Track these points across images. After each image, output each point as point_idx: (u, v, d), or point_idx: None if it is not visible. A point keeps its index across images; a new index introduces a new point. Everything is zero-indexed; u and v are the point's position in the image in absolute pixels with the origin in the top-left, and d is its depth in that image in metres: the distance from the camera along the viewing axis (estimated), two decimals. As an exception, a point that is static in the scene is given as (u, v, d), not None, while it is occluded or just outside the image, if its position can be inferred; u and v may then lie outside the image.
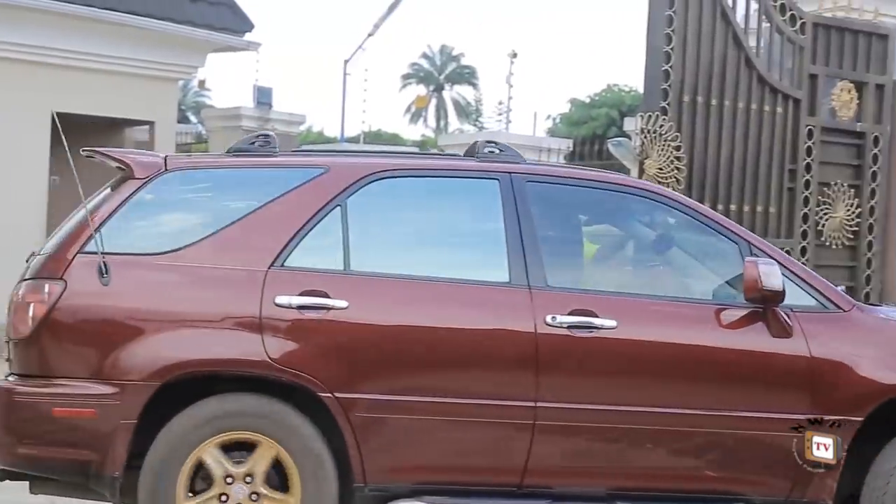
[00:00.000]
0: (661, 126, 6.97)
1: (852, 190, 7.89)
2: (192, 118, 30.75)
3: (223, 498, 4.42)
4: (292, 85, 61.45)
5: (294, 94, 68.47)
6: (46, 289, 4.45)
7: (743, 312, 4.74)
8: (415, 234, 4.89)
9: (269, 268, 4.53)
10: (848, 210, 7.86)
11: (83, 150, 4.90)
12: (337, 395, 4.46)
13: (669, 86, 7.02)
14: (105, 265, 4.44)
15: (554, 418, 4.58)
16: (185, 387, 4.43)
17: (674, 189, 7.03)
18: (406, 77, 57.26)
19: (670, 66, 7.01)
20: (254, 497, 4.42)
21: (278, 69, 63.29)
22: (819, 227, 7.76)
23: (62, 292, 4.43)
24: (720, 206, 7.23)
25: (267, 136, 4.90)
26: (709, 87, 7.21)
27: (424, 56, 57.44)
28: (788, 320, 4.73)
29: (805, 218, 7.69)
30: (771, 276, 4.61)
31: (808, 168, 7.63)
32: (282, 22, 69.37)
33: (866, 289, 7.92)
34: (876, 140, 7.96)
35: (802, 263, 7.54)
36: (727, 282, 4.90)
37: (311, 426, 4.46)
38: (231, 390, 4.47)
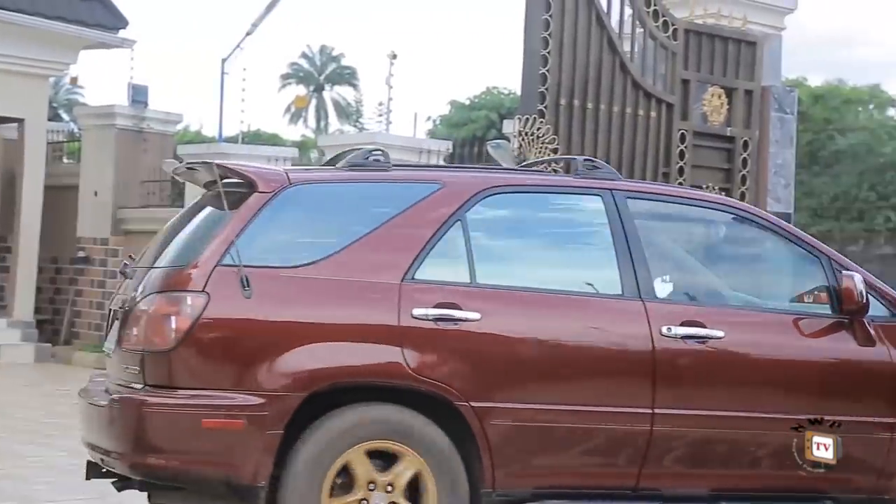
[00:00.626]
0: (539, 129, 7.04)
1: (723, 193, 8.07)
2: (65, 116, 29.98)
3: (363, 502, 4.52)
4: (169, 83, 60.40)
5: (170, 93, 67.32)
6: (189, 301, 4.48)
7: (831, 322, 5.07)
8: (529, 248, 5.05)
9: (402, 281, 4.64)
10: (721, 213, 8.03)
11: (207, 162, 4.98)
12: (472, 404, 4.60)
13: (546, 89, 7.10)
14: (246, 278, 4.49)
15: (669, 424, 4.81)
16: (321, 398, 4.50)
17: None
18: (285, 77, 56.77)
19: (547, 70, 7.09)
20: None
21: (154, 67, 62.14)
22: None
23: (206, 305, 4.46)
24: None
25: (380, 151, 5.01)
26: (585, 91, 7.31)
27: (304, 56, 57.03)
28: (872, 330, 5.07)
29: None
30: (863, 288, 4.99)
31: (680, 171, 7.79)
32: (158, 19, 68.14)
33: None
34: (745, 144, 8.17)
35: None
36: (811, 292, 5.18)
37: (445, 436, 4.59)
38: (360, 400, 4.56)
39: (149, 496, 4.92)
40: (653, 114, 7.63)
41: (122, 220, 15.72)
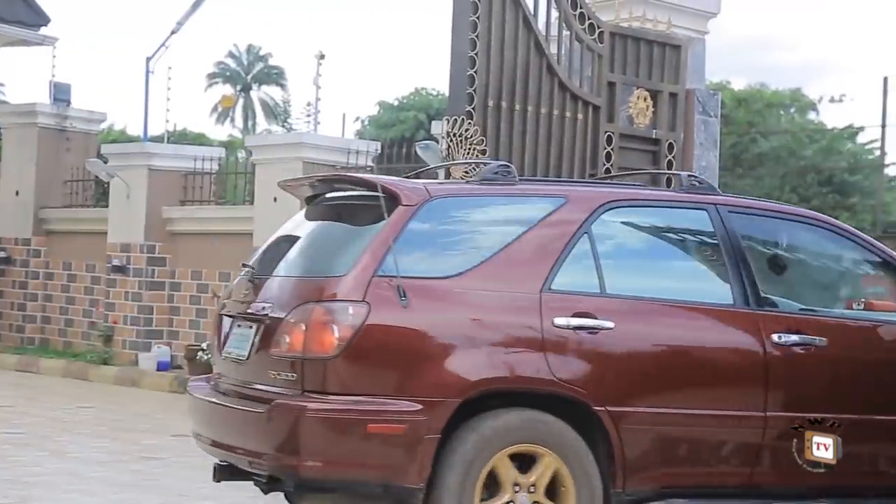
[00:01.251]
0: (467, 130, 7.05)
1: (649, 194, 8.12)
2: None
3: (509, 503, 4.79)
4: (93, 82, 59.48)
5: (94, 92, 66.32)
6: (351, 311, 4.69)
7: None
8: (647, 259, 5.39)
9: (541, 291, 4.92)
10: (645, 214, 8.09)
11: (347, 176, 5.40)
12: (609, 408, 4.89)
13: (474, 90, 7.11)
14: (402, 288, 4.71)
15: (780, 426, 5.16)
16: (470, 403, 4.74)
17: None
18: (212, 76, 56.23)
19: (475, 72, 7.10)
20: None
21: (78, 65, 61.16)
22: None
23: (367, 314, 4.67)
24: None
25: (508, 166, 5.29)
26: (513, 93, 7.34)
27: (231, 55, 56.54)
28: None
29: None
30: None
31: (607, 173, 7.84)
32: (82, 17, 67.10)
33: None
34: (670, 147, 8.26)
35: None
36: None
37: (581, 439, 4.85)
38: (503, 405, 4.81)
39: (287, 497, 5.25)
40: (579, 116, 7.69)
41: (44, 220, 15.45)
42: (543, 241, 5.03)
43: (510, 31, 7.30)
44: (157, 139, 16.31)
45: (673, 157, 8.27)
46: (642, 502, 5.00)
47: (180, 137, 22.37)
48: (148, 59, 16.32)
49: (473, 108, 7.10)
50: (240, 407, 5.00)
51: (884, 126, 25.46)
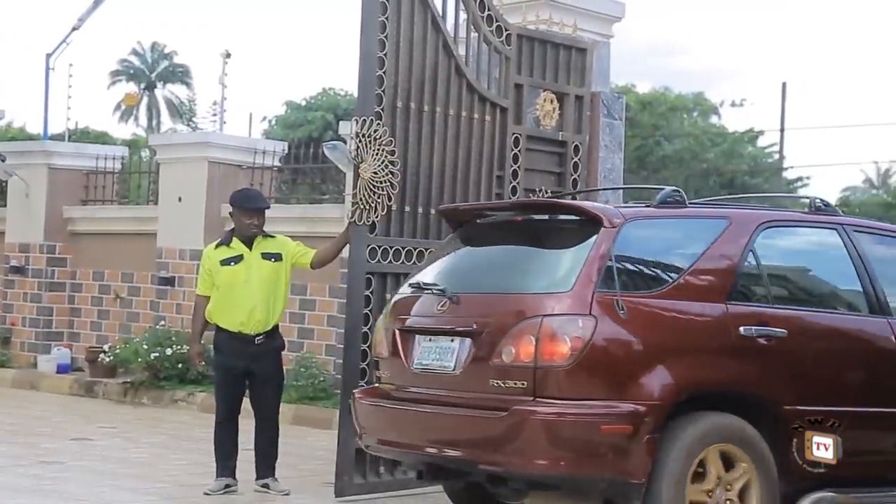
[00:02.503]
0: (376, 131, 7.02)
1: (556, 196, 8.18)
2: None
3: (710, 494, 5.37)
4: (-10, 78, 57.98)
5: (-8, 88, 64.68)
6: (581, 324, 5.21)
7: None
8: (797, 272, 6.13)
9: (726, 303, 5.55)
10: (553, 215, 8.14)
11: (550, 201, 6.22)
12: (789, 408, 5.52)
13: (383, 91, 7.08)
14: (621, 302, 5.27)
15: None
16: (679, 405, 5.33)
17: (388, 194, 7.09)
18: (115, 74, 55.21)
19: (384, 72, 7.07)
20: (728, 502, 5.41)
21: (-25, 61, 59.51)
22: None
23: (595, 327, 5.20)
24: (432, 211, 7.35)
25: (678, 191, 5.88)
26: (421, 94, 7.33)
27: (135, 53, 55.59)
28: None
29: None
30: None
31: (514, 175, 7.88)
32: (-21, 11, 65.44)
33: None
34: (576, 149, 8.32)
35: None
36: None
37: (764, 441, 5.44)
38: (700, 408, 5.38)
39: (496, 495, 5.87)
40: (487, 117, 7.70)
41: (-62, 219, 15.01)
42: (720, 259, 5.67)
43: (419, 32, 7.29)
44: (58, 137, 15.96)
45: (579, 159, 8.34)
46: (809, 493, 5.52)
47: (82, 136, 21.91)
48: (48, 56, 15.97)
49: (382, 109, 7.08)
50: (469, 414, 5.45)
51: (783, 130, 26.07)
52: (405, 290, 6.24)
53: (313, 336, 10.99)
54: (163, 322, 12.12)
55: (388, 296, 7.00)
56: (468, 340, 5.56)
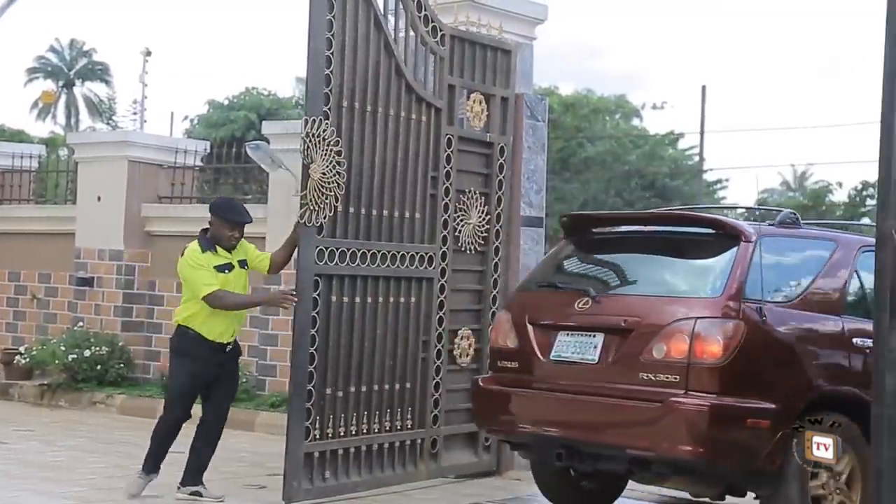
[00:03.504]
0: (325, 130, 6.90)
1: (483, 197, 8.21)
2: None
3: (824, 486, 6.04)
4: None
5: None
6: (732, 326, 5.84)
7: None
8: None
9: (840, 316, 6.31)
10: (479, 216, 8.18)
11: (681, 212, 6.84)
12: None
13: (331, 90, 6.97)
14: (763, 310, 5.94)
15: None
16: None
17: (336, 194, 7.01)
18: (32, 71, 54.21)
19: (331, 71, 6.95)
20: (836, 491, 6.08)
21: None
22: (456, 234, 7.99)
23: (744, 330, 5.84)
24: (374, 212, 7.27)
25: (795, 213, 6.61)
26: (364, 94, 7.22)
27: (52, 50, 54.66)
28: None
29: (445, 224, 7.90)
30: None
31: (447, 175, 7.87)
32: None
33: (493, 291, 8.29)
34: (502, 150, 8.35)
35: (443, 268, 7.85)
36: None
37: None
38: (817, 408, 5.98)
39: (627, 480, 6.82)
40: (423, 118, 7.66)
41: None
42: (834, 277, 6.42)
43: (363, 31, 7.18)
44: (-27, 134, 15.60)
45: (504, 160, 8.37)
46: None
47: (-2, 133, 21.48)
48: (-38, 51, 15.61)
49: (329, 109, 6.98)
50: (617, 402, 6.05)
51: (702, 133, 26.44)
52: (529, 287, 7.00)
53: (235, 337, 10.88)
54: (81, 323, 11.93)
55: (336, 298, 6.97)
56: (613, 336, 6.20)
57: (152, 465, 7.02)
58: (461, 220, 7.98)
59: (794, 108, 61.05)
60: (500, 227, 8.33)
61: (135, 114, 27.13)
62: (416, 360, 7.64)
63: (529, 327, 6.58)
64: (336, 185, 7.00)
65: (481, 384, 6.87)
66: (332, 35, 6.96)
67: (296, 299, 6.82)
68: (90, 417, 10.82)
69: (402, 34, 7.60)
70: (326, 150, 6.92)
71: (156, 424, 7.08)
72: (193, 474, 7.02)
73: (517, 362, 6.66)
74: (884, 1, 5.43)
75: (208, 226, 7.04)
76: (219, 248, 6.98)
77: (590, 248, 7.03)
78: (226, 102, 26.41)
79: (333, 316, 7.07)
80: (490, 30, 8.29)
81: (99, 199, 12.05)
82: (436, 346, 7.78)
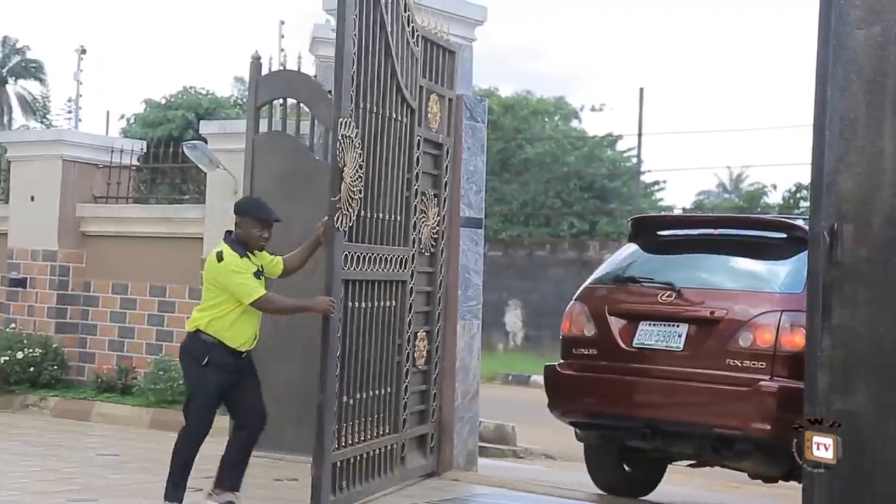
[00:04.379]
0: (353, 133, 6.78)
1: (436, 198, 8.22)
2: None
3: None
4: None
5: None
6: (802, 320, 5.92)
7: None
8: None
9: None
10: (434, 218, 8.17)
11: (757, 217, 6.87)
12: None
13: (353, 92, 6.84)
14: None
15: None
16: None
17: (359, 198, 6.81)
18: (-37, 68, 53.28)
19: (353, 72, 6.82)
20: None
21: None
22: (420, 236, 7.95)
23: None
24: (374, 215, 7.09)
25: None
26: (371, 95, 7.03)
27: (-16, 46, 53.73)
28: None
29: (414, 226, 7.86)
30: None
31: (417, 177, 7.86)
32: None
33: (439, 293, 8.29)
34: (447, 151, 8.37)
35: (412, 271, 7.80)
36: None
37: None
38: None
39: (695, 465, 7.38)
40: (405, 120, 7.62)
41: None
42: None
43: (373, 32, 7.06)
44: None
45: (449, 161, 8.39)
46: None
47: (-72, 131, 21.06)
48: None
49: (352, 110, 6.85)
50: (705, 386, 6.61)
51: (640, 135, 26.68)
52: (604, 281, 7.56)
53: (172, 338, 10.79)
54: (13, 325, 11.74)
55: (353, 304, 6.84)
56: (698, 326, 6.79)
57: (176, 492, 6.42)
58: (423, 222, 7.98)
59: (732, 110, 61.89)
60: (444, 228, 8.34)
61: (69, 112, 26.72)
62: (393, 365, 7.56)
63: (610, 318, 7.22)
64: (359, 188, 6.85)
65: (560, 370, 7.42)
66: (355, 35, 6.82)
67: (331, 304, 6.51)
68: (23, 420, 10.65)
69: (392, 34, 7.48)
70: (353, 152, 6.79)
71: (177, 443, 6.43)
72: (236, 478, 6.57)
73: (596, 349, 7.27)
74: (815, 5, 5.52)
75: (236, 228, 6.50)
76: (249, 253, 6.50)
77: (659, 247, 7.71)
78: (163, 101, 26.09)
79: (349, 322, 6.86)
80: (439, 32, 8.26)
81: (32, 198, 11.88)
82: (406, 349, 7.76)
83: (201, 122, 12.19)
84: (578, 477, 8.81)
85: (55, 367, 11.32)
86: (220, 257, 6.34)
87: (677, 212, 25.98)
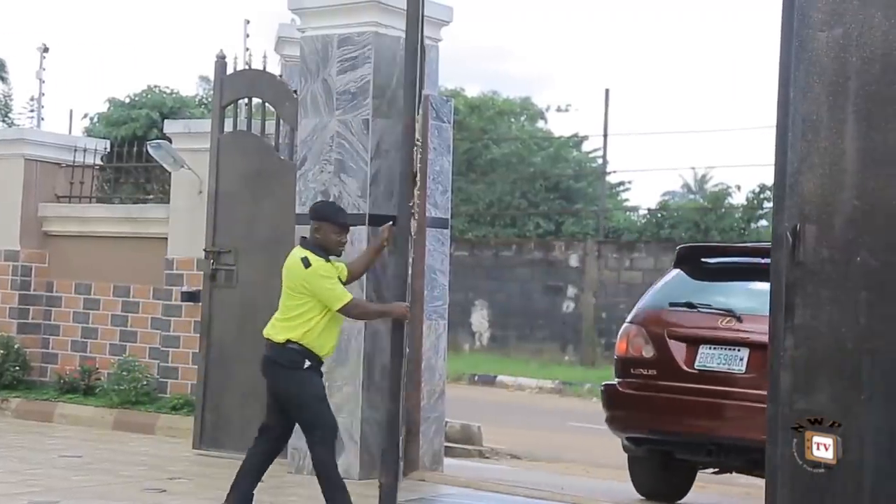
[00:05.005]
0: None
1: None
2: None
3: None
4: None
5: None
6: None
7: None
8: None
9: None
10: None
11: None
12: None
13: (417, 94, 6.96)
14: None
15: None
16: None
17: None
18: (-76, 65, 52.71)
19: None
20: None
21: None
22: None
23: None
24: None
25: None
26: (399, 97, 7.22)
27: (-55, 44, 53.19)
28: None
29: None
30: None
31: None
32: None
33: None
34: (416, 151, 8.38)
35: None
36: None
37: None
38: None
39: None
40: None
41: None
42: None
43: (415, 32, 7.17)
44: None
45: (420, 160, 8.40)
46: None
47: None
48: None
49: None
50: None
51: (606, 136, 26.77)
52: (661, 305, 7.89)
53: (136, 339, 10.73)
54: (-25, 325, 11.63)
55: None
56: (759, 350, 6.90)
57: (345, 497, 6.17)
58: None
59: (696, 111, 62.32)
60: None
61: (32, 111, 26.44)
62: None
63: (669, 341, 7.64)
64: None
65: (621, 389, 7.81)
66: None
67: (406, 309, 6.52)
68: (-17, 422, 10.56)
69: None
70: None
71: (318, 455, 6.17)
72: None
73: (656, 370, 7.66)
74: (778, 7, 5.56)
75: (313, 233, 6.33)
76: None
77: (707, 275, 8.06)
78: (127, 100, 25.88)
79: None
80: (391, 31, 8.24)
81: (-6, 198, 11.77)
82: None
83: (166, 121, 12.11)
84: (544, 477, 8.85)
85: (17, 367, 11.21)
86: (306, 263, 6.12)
87: (643, 212, 26.10)
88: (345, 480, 6.21)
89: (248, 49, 12.24)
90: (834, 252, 5.47)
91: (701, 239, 22.02)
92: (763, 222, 22.29)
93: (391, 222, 6.53)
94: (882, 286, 5.49)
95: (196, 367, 9.33)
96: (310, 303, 6.11)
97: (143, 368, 10.46)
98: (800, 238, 5.42)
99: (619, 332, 8.15)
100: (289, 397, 6.19)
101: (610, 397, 8.02)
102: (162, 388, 10.50)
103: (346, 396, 7.83)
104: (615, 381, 8.01)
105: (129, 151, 11.83)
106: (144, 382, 10.35)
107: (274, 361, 6.18)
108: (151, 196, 12.05)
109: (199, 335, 9.25)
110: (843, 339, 5.47)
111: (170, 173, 10.59)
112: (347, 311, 6.19)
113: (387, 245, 6.57)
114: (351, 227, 7.84)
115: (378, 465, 7.87)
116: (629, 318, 8.18)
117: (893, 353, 5.49)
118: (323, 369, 6.28)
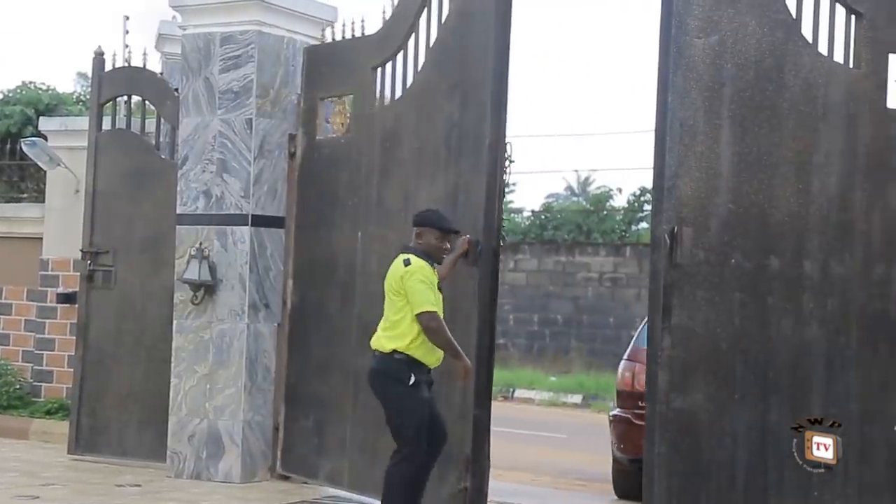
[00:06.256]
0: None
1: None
2: None
3: None
4: None
5: None
6: None
7: None
8: None
9: None
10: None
11: None
12: None
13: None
14: None
15: None
16: None
17: None
18: None
19: None
20: None
21: None
22: None
23: None
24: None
25: None
26: None
27: None
28: None
29: None
30: None
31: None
32: None
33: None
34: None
35: None
36: None
37: None
38: None
39: None
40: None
41: None
42: None
43: None
44: None
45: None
46: None
47: None
48: None
49: None
50: None
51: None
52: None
53: (9, 341, 10.43)
54: None
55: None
56: None
57: None
58: None
59: (578, 115, 63.27)
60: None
61: None
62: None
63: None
64: None
65: (634, 421, 7.98)
66: None
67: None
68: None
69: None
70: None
71: (395, 476, 5.90)
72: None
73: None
74: (657, 14, 5.67)
75: (416, 239, 6.05)
76: None
77: None
78: (0, 97, 25.27)
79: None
80: (275, 30, 8.16)
81: None
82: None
83: (41, 118, 11.80)
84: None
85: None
86: (407, 262, 5.91)
87: (527, 214, 26.36)
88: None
89: (127, 46, 12.00)
90: (709, 254, 5.60)
91: (583, 241, 22.30)
92: (644, 224, 22.64)
93: (468, 235, 6.39)
94: (755, 288, 5.66)
95: (72, 370, 9.10)
96: (408, 307, 5.88)
97: (15, 372, 10.19)
98: (677, 240, 5.53)
99: (620, 369, 8.56)
100: (390, 408, 5.98)
101: (620, 428, 8.39)
102: (36, 392, 10.22)
103: (228, 398, 7.71)
104: (622, 412, 8.37)
105: (3, 149, 11.53)
106: (17, 386, 10.08)
107: (379, 372, 5.95)
108: (25, 195, 11.77)
109: (75, 337, 9.03)
110: (718, 339, 5.61)
111: (45, 172, 10.34)
112: (425, 320, 5.85)
113: (464, 258, 6.36)
114: (232, 228, 7.83)
115: (259, 468, 7.84)
116: (627, 355, 8.57)
117: (765, 353, 5.67)
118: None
